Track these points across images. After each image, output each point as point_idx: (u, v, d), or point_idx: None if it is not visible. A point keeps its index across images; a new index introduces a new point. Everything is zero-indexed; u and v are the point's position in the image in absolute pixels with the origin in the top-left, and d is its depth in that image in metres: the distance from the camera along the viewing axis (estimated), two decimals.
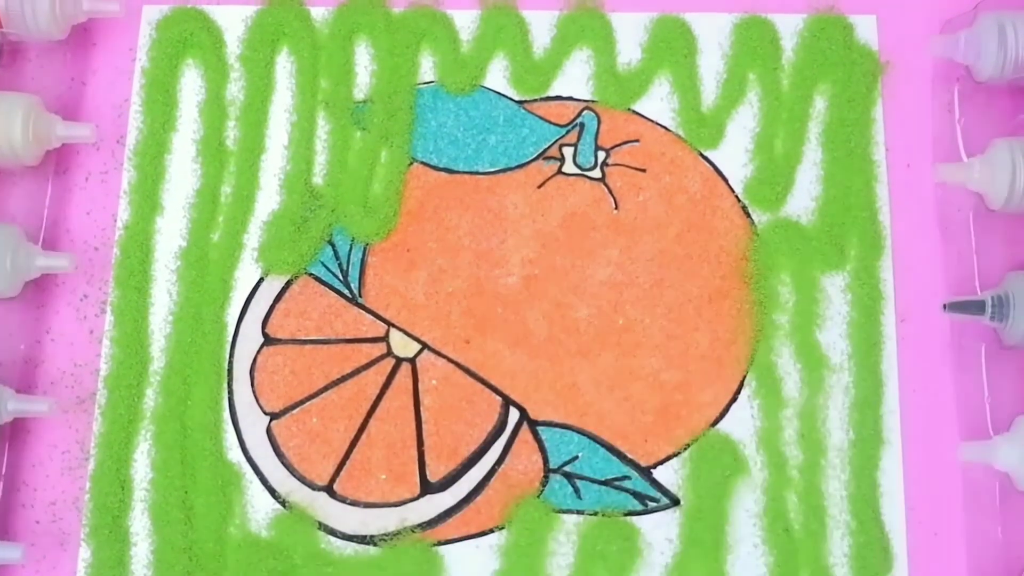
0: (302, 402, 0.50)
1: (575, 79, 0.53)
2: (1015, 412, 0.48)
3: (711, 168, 0.52)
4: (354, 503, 0.49)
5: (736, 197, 0.52)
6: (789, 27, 0.53)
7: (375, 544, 0.48)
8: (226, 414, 0.50)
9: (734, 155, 0.52)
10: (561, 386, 0.50)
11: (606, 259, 0.51)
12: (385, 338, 0.50)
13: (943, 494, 0.49)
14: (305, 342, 0.50)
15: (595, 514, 0.48)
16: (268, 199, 0.52)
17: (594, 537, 0.48)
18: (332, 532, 0.48)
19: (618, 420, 0.49)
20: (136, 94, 0.53)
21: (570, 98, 0.53)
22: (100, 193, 0.52)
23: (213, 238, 0.51)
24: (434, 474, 0.49)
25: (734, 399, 0.50)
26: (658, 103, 0.53)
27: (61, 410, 0.49)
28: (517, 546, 0.48)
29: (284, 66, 0.53)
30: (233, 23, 0.54)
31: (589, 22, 0.53)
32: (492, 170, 0.52)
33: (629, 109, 0.53)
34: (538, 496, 0.49)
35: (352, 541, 0.48)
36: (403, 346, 0.50)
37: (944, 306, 0.48)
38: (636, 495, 0.49)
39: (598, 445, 0.49)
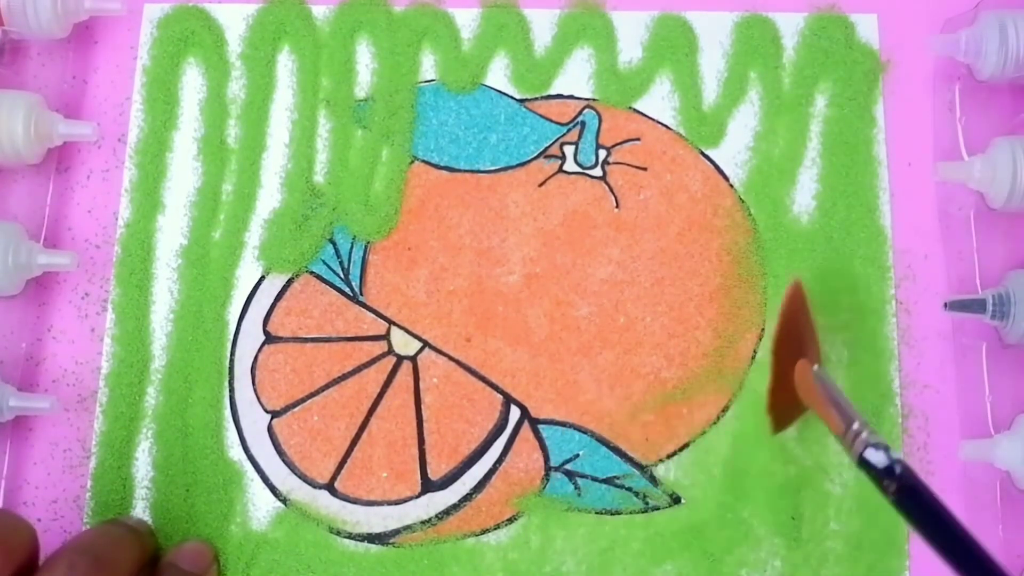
0: (303, 400, 0.50)
1: (576, 77, 0.53)
2: (1016, 411, 0.48)
3: (712, 166, 0.52)
4: (355, 501, 0.49)
5: (737, 195, 0.52)
6: (790, 26, 0.53)
7: (376, 542, 0.48)
8: (227, 412, 0.50)
9: (735, 153, 0.52)
10: (562, 384, 0.50)
11: (607, 257, 0.51)
12: (386, 336, 0.51)
13: (944, 492, 0.49)
14: (306, 340, 0.50)
15: (597, 512, 0.48)
16: (269, 197, 0.52)
17: (595, 535, 0.48)
18: (334, 530, 0.48)
19: (619, 418, 0.49)
20: (137, 92, 0.53)
21: (571, 96, 0.53)
22: (101, 191, 0.52)
23: (214, 236, 0.51)
24: (435, 472, 0.49)
25: (735, 397, 0.50)
26: (659, 101, 0.53)
27: (62, 408, 0.49)
28: (520, 543, 0.48)
29: (285, 64, 0.53)
30: (234, 21, 0.54)
31: (590, 20, 0.53)
32: (493, 168, 0.52)
33: (630, 107, 0.53)
34: (539, 494, 0.49)
35: (353, 539, 0.48)
36: (404, 344, 0.50)
37: (945, 304, 0.48)
38: (637, 493, 0.49)
39: (599, 443, 0.49)
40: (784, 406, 0.45)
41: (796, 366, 0.44)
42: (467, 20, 0.54)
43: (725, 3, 0.54)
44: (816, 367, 0.44)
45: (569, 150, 0.52)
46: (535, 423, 0.49)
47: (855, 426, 0.41)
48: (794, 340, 0.45)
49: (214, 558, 0.48)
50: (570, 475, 0.49)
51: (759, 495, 0.48)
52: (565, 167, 0.52)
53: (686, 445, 0.49)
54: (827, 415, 0.42)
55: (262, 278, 0.51)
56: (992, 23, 0.49)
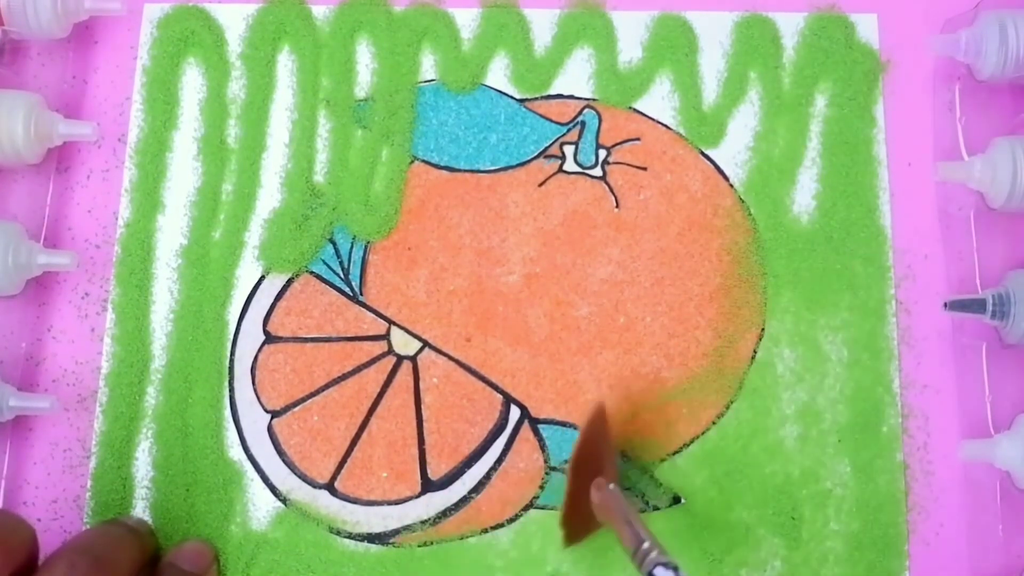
0: (303, 400, 0.50)
1: (576, 77, 0.53)
2: (1016, 410, 0.48)
3: (712, 166, 0.52)
4: (355, 501, 0.49)
5: (737, 195, 0.52)
6: (790, 26, 0.53)
7: (376, 542, 0.48)
8: (227, 412, 0.50)
9: (735, 153, 0.52)
10: (562, 384, 0.50)
11: (607, 257, 0.51)
12: (386, 336, 0.51)
13: (944, 492, 0.49)
14: (306, 340, 0.50)
15: None
16: (269, 197, 0.52)
17: (595, 536, 0.48)
18: (334, 530, 0.48)
19: (619, 418, 0.49)
20: (137, 92, 0.53)
21: (571, 96, 0.53)
22: (101, 191, 0.52)
23: (214, 236, 0.51)
24: (435, 472, 0.49)
25: (735, 397, 0.50)
26: (659, 101, 0.53)
27: (62, 408, 0.49)
28: (520, 543, 0.48)
29: (285, 64, 0.53)
30: (234, 21, 0.54)
31: (590, 20, 0.53)
32: (493, 168, 0.52)
33: (630, 107, 0.53)
34: (539, 494, 0.49)
35: (353, 539, 0.48)
36: (404, 344, 0.50)
37: (945, 304, 0.48)
38: (637, 493, 0.49)
39: None
40: (578, 521, 0.46)
41: (593, 483, 0.45)
42: (467, 20, 0.54)
43: (725, 3, 0.54)
44: (612, 485, 0.45)
45: (569, 150, 0.52)
46: (535, 423, 0.49)
47: (645, 545, 0.41)
48: (593, 459, 0.46)
49: (214, 558, 0.48)
50: None
51: (759, 495, 0.49)
52: (565, 167, 0.52)
53: (686, 445, 0.49)
54: (621, 532, 0.43)
55: (262, 278, 0.51)
56: (992, 23, 0.49)
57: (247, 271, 0.51)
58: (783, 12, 0.53)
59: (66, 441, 0.49)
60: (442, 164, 0.52)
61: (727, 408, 0.50)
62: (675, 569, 0.40)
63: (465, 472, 0.49)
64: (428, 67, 0.53)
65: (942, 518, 0.48)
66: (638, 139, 0.53)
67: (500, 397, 0.50)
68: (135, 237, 0.51)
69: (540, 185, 0.52)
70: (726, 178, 0.52)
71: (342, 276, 0.51)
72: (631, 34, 0.53)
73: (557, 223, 0.52)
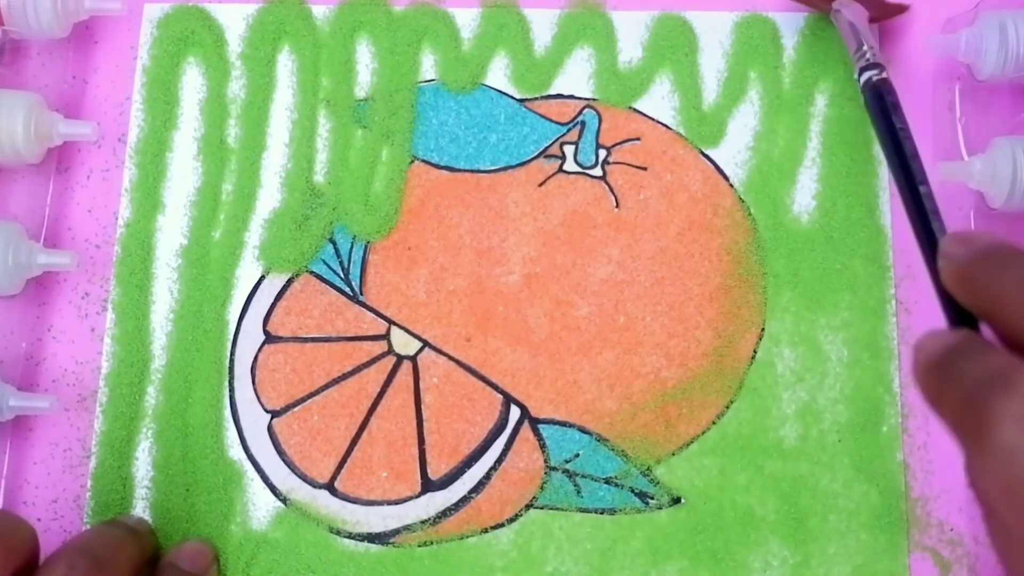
0: (303, 400, 0.50)
1: (576, 77, 0.53)
2: None
3: (712, 166, 0.52)
4: (355, 501, 0.49)
5: (737, 195, 0.52)
6: (790, 25, 0.53)
7: (376, 542, 0.48)
8: (227, 412, 0.50)
9: (735, 153, 0.52)
10: (562, 384, 0.50)
11: (607, 257, 0.51)
12: (386, 336, 0.51)
13: (944, 492, 0.49)
14: (306, 340, 0.50)
15: (597, 512, 0.48)
16: (269, 197, 0.52)
17: (596, 535, 0.48)
18: (334, 530, 0.49)
19: (619, 418, 0.49)
20: (137, 92, 0.53)
21: (571, 96, 0.53)
22: (101, 191, 0.52)
23: (214, 236, 0.51)
24: (435, 472, 0.49)
25: (735, 397, 0.50)
26: (659, 101, 0.53)
27: (62, 408, 0.49)
28: (520, 543, 0.48)
29: (285, 64, 0.53)
30: (234, 21, 0.54)
31: (590, 20, 0.53)
32: (493, 168, 0.52)
33: (630, 107, 0.53)
34: (539, 494, 0.49)
35: (353, 539, 0.48)
36: (404, 344, 0.50)
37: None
38: (637, 493, 0.49)
39: (599, 443, 0.49)
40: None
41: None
42: (467, 20, 0.54)
43: (725, 3, 0.54)
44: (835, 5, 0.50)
45: (569, 150, 0.52)
46: (535, 423, 0.49)
47: (863, 48, 0.48)
48: None
49: (214, 558, 0.48)
50: (570, 475, 0.49)
51: (759, 495, 0.49)
52: (565, 167, 0.52)
53: (686, 445, 0.49)
54: (845, 36, 0.49)
55: (262, 278, 0.51)
56: (992, 23, 0.49)
57: (247, 271, 0.51)
58: (783, 12, 0.53)
59: (66, 441, 0.49)
60: (442, 164, 0.52)
61: (727, 408, 0.50)
62: (881, 69, 0.47)
63: (465, 472, 0.49)
64: (428, 67, 0.53)
65: (942, 519, 0.48)
66: (638, 139, 0.53)
67: (500, 397, 0.50)
68: (135, 237, 0.51)
69: (540, 185, 0.52)
70: (726, 178, 0.52)
71: (342, 276, 0.51)
72: (631, 34, 0.53)
73: (557, 223, 0.52)
